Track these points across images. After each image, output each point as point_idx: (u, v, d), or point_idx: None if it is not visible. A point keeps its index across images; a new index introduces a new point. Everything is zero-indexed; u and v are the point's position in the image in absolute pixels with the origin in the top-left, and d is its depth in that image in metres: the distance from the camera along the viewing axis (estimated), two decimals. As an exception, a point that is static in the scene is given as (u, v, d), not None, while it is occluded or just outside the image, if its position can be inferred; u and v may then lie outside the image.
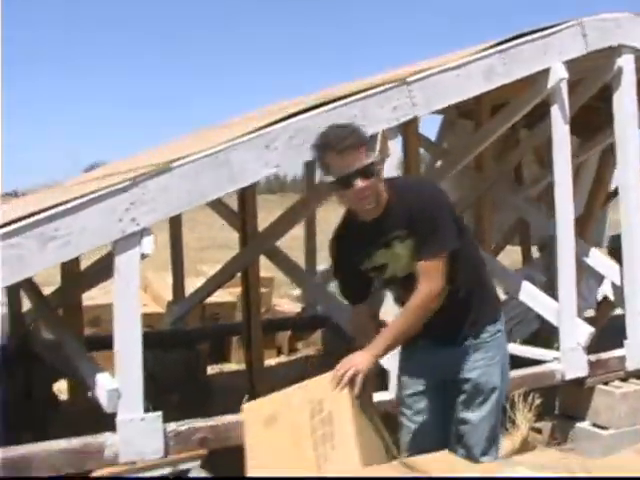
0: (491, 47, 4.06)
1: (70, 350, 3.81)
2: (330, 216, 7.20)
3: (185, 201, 3.10)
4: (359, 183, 2.48)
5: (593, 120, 5.60)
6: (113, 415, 2.99)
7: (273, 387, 2.78)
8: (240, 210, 5.57)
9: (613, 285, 5.24)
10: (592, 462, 2.29)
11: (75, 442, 2.93)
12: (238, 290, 6.62)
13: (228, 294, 7.73)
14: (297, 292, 8.91)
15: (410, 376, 2.89)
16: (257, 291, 5.62)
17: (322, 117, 3.39)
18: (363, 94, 3.55)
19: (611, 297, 5.15)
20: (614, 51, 4.58)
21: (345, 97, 3.52)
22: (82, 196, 2.90)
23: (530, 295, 4.73)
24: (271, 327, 7.21)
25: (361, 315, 2.83)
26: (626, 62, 4.62)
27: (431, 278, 2.60)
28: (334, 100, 3.48)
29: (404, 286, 2.69)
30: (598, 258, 5.27)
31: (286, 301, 9.06)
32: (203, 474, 3.06)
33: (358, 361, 2.52)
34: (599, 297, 6.27)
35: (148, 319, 6.03)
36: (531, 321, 5.59)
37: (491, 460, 2.75)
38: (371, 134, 3.02)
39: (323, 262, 7.09)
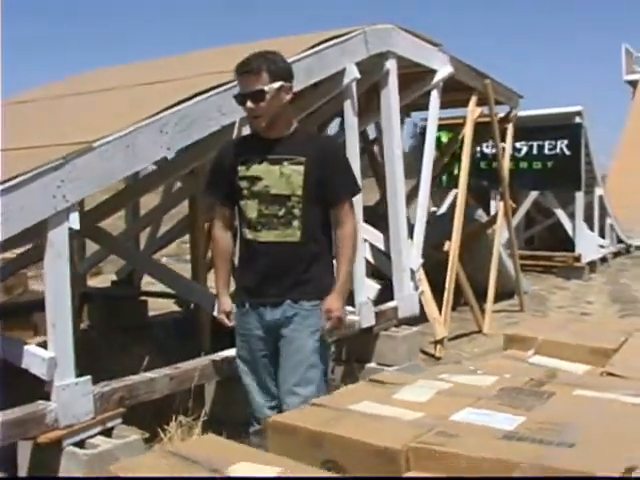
0: (310, 48, 4.73)
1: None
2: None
3: (105, 179, 3.32)
4: (249, 104, 2.86)
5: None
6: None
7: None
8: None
9: (375, 249, 6.19)
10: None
11: (18, 411, 3.02)
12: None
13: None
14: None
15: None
16: None
17: (201, 104, 3.79)
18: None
19: (372, 260, 6.09)
20: (384, 56, 5.56)
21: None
22: (18, 175, 2.99)
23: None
24: (27, 308, 7.11)
25: (223, 242, 3.09)
26: (392, 65, 5.64)
27: (351, 215, 2.96)
28: (213, 88, 3.87)
29: (269, 202, 2.88)
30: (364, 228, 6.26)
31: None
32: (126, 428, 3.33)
33: (339, 305, 2.93)
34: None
35: None
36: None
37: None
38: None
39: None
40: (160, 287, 6.33)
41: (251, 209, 2.90)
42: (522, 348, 3.36)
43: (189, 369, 3.70)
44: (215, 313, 3.32)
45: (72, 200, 3.14)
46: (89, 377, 3.25)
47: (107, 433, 3.26)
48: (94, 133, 3.34)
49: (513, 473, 1.72)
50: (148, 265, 5.92)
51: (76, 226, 3.14)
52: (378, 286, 5.42)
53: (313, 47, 4.77)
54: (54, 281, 3.11)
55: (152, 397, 3.49)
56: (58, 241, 3.10)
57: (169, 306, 7.95)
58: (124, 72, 6.05)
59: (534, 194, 12.18)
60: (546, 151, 11.55)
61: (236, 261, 3.16)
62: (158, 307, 8.04)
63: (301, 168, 2.85)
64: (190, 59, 6.03)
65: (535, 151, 11.59)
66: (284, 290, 2.92)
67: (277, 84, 2.84)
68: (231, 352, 3.61)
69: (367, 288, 5.31)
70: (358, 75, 5.12)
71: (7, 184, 2.94)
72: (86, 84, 5.54)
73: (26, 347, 3.19)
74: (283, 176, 2.85)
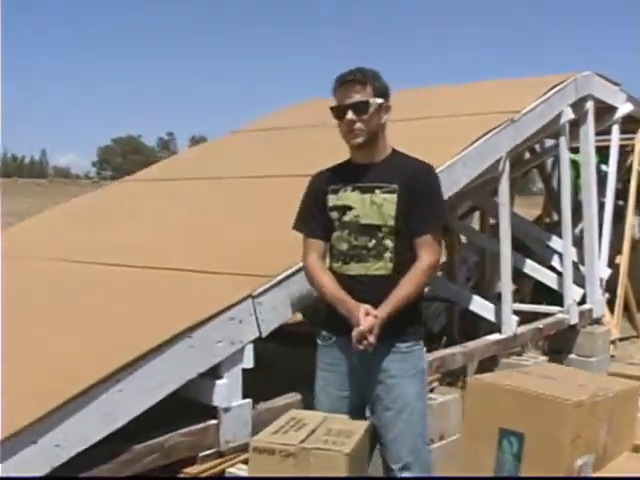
0: (542, 96, 5.86)
1: None
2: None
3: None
4: (349, 115, 2.61)
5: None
6: None
7: None
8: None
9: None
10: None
11: None
12: None
13: None
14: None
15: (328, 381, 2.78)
16: None
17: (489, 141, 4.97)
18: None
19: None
20: (585, 98, 6.65)
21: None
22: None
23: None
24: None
25: (330, 276, 2.73)
26: (590, 105, 6.72)
27: (434, 250, 2.65)
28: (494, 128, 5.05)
29: (359, 233, 2.65)
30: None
31: None
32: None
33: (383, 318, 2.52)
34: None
35: None
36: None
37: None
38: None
39: None
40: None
41: (341, 241, 2.70)
42: None
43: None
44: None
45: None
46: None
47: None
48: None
49: None
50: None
51: None
52: (582, 290, 6.51)
53: (545, 94, 5.89)
54: None
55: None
56: None
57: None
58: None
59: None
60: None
61: None
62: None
63: (394, 197, 2.62)
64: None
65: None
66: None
67: (380, 100, 2.67)
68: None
69: (574, 291, 6.41)
70: (573, 116, 6.24)
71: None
72: None
73: None
74: (374, 205, 2.63)
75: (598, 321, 6.90)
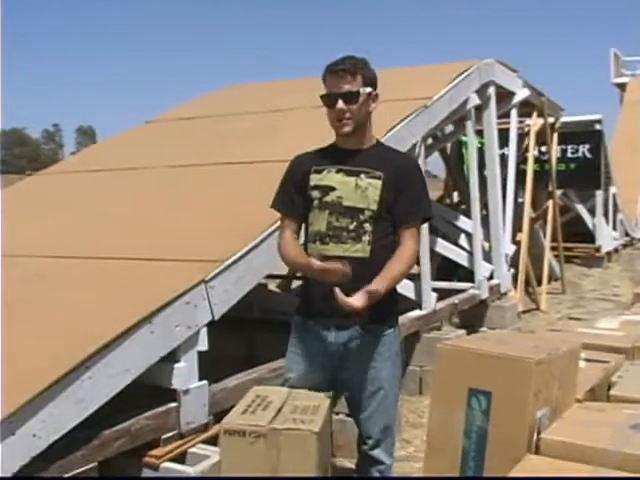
0: (450, 82, 6.16)
1: None
2: None
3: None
4: (340, 104, 2.63)
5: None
6: None
7: None
8: None
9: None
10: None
11: None
12: None
13: None
14: None
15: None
16: None
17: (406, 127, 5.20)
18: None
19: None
20: (488, 84, 7.02)
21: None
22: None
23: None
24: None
25: (296, 246, 2.75)
26: (492, 91, 7.09)
27: (417, 240, 2.72)
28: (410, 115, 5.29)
29: (341, 214, 2.66)
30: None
31: None
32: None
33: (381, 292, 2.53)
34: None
35: None
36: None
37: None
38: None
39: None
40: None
41: (320, 220, 2.70)
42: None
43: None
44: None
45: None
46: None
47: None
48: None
49: None
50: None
51: None
52: (491, 266, 6.90)
53: (453, 80, 6.20)
54: None
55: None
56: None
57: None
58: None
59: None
60: (569, 154, 13.07)
61: None
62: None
63: (379, 183, 2.66)
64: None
65: (559, 155, 13.11)
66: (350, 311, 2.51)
67: (369, 89, 2.69)
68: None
69: (484, 268, 6.78)
70: (479, 101, 6.58)
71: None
72: (263, 102, 6.80)
73: None
74: (359, 188, 2.66)
75: (505, 295, 7.33)
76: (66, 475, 2.67)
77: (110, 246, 3.84)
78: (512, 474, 2.01)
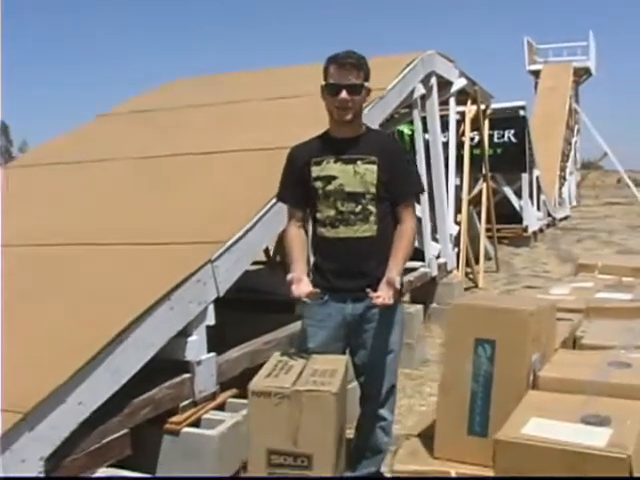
0: (400, 73, 6.53)
1: None
2: None
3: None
4: (343, 94, 2.87)
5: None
6: None
7: None
8: None
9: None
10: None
11: None
12: None
13: None
14: None
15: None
16: None
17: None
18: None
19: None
20: (430, 74, 7.43)
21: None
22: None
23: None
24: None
25: (298, 246, 3.03)
26: (434, 81, 7.52)
27: (414, 215, 3.05)
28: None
29: (345, 200, 2.91)
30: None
31: None
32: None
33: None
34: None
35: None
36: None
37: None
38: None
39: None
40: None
41: (328, 207, 2.95)
42: (588, 271, 5.30)
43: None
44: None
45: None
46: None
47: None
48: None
49: None
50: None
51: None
52: (439, 245, 7.33)
53: (402, 72, 6.57)
54: None
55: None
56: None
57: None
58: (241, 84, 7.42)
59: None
60: (495, 139, 13.72)
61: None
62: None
63: (374, 167, 2.91)
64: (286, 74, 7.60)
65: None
66: (365, 285, 2.88)
67: (367, 83, 2.96)
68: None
69: (432, 247, 7.21)
70: (424, 91, 7.00)
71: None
72: (215, 94, 7.01)
73: None
74: (357, 174, 2.91)
75: (450, 273, 7.78)
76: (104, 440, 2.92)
77: (109, 231, 4.08)
78: (520, 408, 2.38)
